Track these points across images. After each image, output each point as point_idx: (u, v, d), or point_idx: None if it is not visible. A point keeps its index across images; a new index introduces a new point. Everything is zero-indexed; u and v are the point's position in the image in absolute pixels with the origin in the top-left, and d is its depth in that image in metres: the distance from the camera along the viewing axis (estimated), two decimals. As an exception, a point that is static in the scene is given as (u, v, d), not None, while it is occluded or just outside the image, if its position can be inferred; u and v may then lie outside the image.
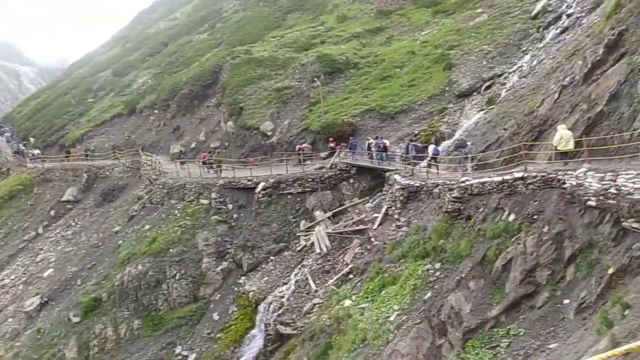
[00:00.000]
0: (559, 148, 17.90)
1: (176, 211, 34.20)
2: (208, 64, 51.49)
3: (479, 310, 16.85)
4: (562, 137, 17.69)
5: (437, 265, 19.57)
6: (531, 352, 14.14)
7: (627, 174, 13.95)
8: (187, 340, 28.05)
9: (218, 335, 27.50)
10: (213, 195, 33.38)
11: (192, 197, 34.33)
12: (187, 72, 53.17)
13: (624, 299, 12.27)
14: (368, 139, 31.60)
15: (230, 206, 32.97)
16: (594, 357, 1.70)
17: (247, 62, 46.83)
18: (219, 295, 29.65)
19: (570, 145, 17.59)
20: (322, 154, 35.02)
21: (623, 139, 16.02)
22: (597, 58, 19.35)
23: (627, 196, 13.66)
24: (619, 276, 13.40)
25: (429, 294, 18.61)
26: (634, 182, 13.59)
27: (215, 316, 28.53)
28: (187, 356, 27.28)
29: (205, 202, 33.55)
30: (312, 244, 28.88)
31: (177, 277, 30.05)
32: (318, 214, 30.61)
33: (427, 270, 19.70)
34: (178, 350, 27.66)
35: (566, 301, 14.74)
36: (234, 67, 47.19)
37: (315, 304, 24.72)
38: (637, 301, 11.94)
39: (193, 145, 44.51)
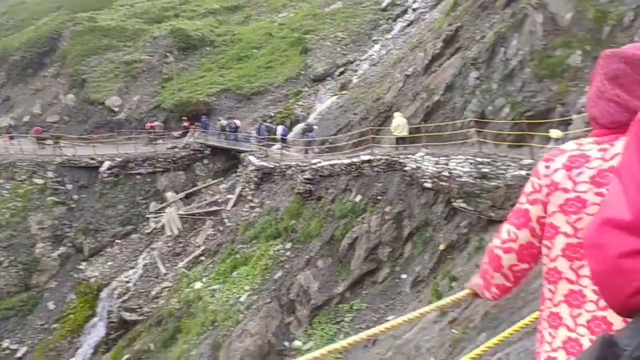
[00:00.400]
0: (395, 134, 19.06)
1: (4, 192, 30.55)
2: (45, 29, 46.37)
3: (326, 287, 17.49)
4: (399, 124, 18.85)
5: (288, 246, 19.90)
6: (372, 325, 15.03)
7: (457, 159, 15.33)
8: (17, 332, 25.37)
9: (54, 325, 25.27)
10: (49, 174, 30.36)
11: (23, 176, 30.88)
12: (19, 36, 47.37)
13: (452, 272, 13.53)
14: (219, 119, 31.00)
15: (69, 186, 30.26)
16: (414, 312, 1.79)
17: (91, 31, 43.05)
18: (55, 283, 27.19)
19: (405, 132, 18.82)
20: (175, 133, 33.59)
21: (455, 127, 17.56)
22: (436, 51, 20.93)
23: (457, 179, 15.02)
24: (449, 252, 14.75)
25: (280, 274, 18.87)
26: (462, 166, 14.97)
27: (51, 305, 26.16)
28: (16, 350, 24.68)
29: (39, 181, 30.40)
30: (163, 226, 27.71)
31: (4, 265, 26.94)
32: (170, 195, 29.41)
33: (279, 250, 19.94)
34: (5, 344, 24.93)
35: (404, 276, 15.88)
36: (75, 34, 43.08)
37: (164, 288, 23.80)
38: (462, 274, 13.23)
39: (26, 119, 39.95)
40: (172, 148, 31.17)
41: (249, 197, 25.28)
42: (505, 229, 1.47)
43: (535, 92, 16.14)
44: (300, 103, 32.53)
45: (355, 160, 19.64)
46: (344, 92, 30.64)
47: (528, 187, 1.37)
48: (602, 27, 15.98)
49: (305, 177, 21.39)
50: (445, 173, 15.61)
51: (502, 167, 13.63)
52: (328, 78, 34.21)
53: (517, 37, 17.52)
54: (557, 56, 16.52)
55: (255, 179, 25.27)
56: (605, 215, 0.75)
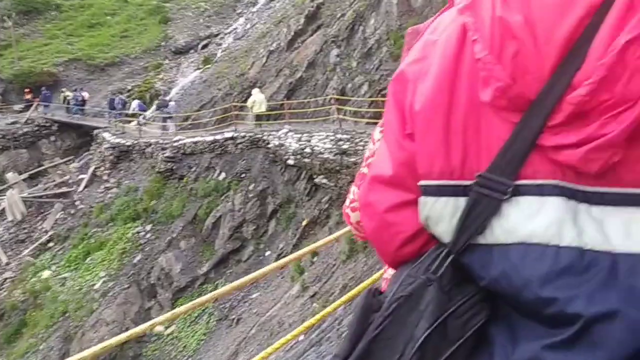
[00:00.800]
0: (253, 111, 18.80)
1: None
2: None
3: (189, 268, 16.94)
4: (256, 100, 18.61)
5: (149, 227, 18.90)
6: (236, 304, 14.85)
7: (319, 135, 15.50)
8: None
9: None
10: None
11: None
12: None
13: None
14: (63, 91, 28.31)
15: None
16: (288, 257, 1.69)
17: None
18: None
19: (263, 108, 18.63)
20: (16, 107, 30.09)
21: (318, 104, 17.75)
22: (299, 27, 20.91)
23: (319, 155, 15.21)
24: (311, 227, 14.97)
25: (139, 257, 17.88)
26: (324, 143, 15.18)
27: None
28: None
29: None
30: (3, 210, 24.83)
31: None
32: (11, 175, 26.37)
33: (138, 232, 18.86)
34: None
35: (268, 253, 15.86)
36: None
37: (5, 279, 21.42)
38: (323, 248, 13.50)
39: None
40: (13, 123, 27.92)
41: (104, 177, 23.53)
42: (352, 190, 1.43)
43: (391, 70, 16.77)
44: (161, 77, 30.81)
45: (218, 137, 19.07)
46: (207, 66, 29.56)
47: (366, 153, 1.32)
48: (450, 11, 17.01)
49: (167, 155, 20.35)
50: (308, 150, 15.73)
51: (361, 143, 14.03)
52: (191, 51, 32.75)
53: (374, 16, 18.04)
54: (410, 37, 17.32)
55: (111, 157, 23.55)
56: (373, 172, 0.78)
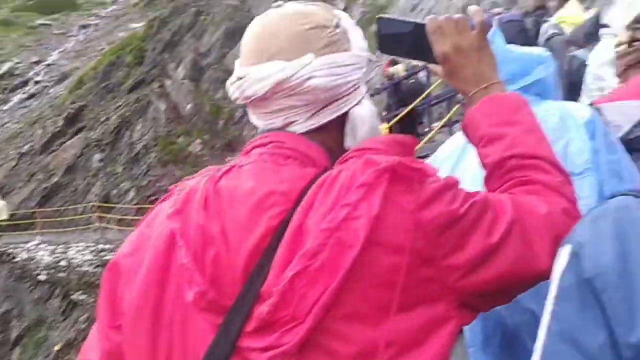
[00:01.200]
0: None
1: None
2: None
3: None
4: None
5: None
6: None
7: (78, 246, 14.13)
8: None
9: None
10: None
11: None
12: None
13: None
14: None
15: None
16: None
17: None
18: None
19: (4, 216, 16.49)
20: None
21: (77, 211, 16.31)
22: (57, 129, 19.46)
23: (77, 268, 13.74)
24: (66, 351, 13.07)
25: None
26: (83, 255, 13.84)
27: None
28: None
29: None
30: None
31: None
32: None
33: None
34: None
35: (10, 390, 13.26)
36: None
37: None
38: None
39: None
40: None
41: None
42: None
43: (159, 176, 16.48)
44: None
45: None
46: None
47: None
48: (218, 120, 17.77)
49: None
50: (64, 263, 14.14)
51: (125, 253, 13.12)
52: None
53: (141, 122, 17.83)
54: (179, 143, 17.45)
55: None
56: (81, 357, 0.79)
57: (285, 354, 0.66)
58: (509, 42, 1.43)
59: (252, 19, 0.83)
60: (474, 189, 0.75)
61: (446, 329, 0.69)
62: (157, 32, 19.85)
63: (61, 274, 13.99)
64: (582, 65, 3.28)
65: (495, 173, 0.80)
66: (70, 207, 16.47)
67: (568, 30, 4.36)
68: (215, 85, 17.58)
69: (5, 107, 30.35)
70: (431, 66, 0.88)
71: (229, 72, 0.82)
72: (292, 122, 0.78)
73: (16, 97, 30.73)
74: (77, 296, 13.52)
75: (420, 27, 0.84)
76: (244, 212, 0.71)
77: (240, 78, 0.78)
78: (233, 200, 0.73)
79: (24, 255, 14.84)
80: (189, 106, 18.14)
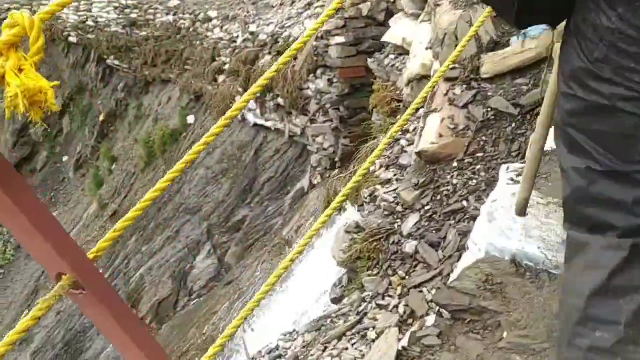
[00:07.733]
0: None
1: None
2: None
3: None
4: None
5: None
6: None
7: (100, 3, 12.08)
8: None
9: None
10: None
11: None
12: None
13: (112, 151, 11.25)
14: None
15: None
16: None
17: None
18: None
19: None
20: None
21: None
22: None
23: (105, 29, 11.94)
24: (110, 122, 12.25)
25: None
26: (107, 12, 11.87)
27: None
28: None
29: None
30: None
31: None
32: None
33: None
34: None
35: (65, 158, 13.02)
36: None
37: None
38: (122, 152, 11.08)
39: None
40: None
41: None
42: None
43: None
44: None
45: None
46: None
47: None
48: None
49: None
50: (90, 22, 12.30)
51: (150, 11, 10.99)
52: None
53: None
54: None
55: None
56: None
57: None
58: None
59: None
60: None
61: None
62: None
63: (90, 35, 12.31)
64: None
65: None
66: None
67: None
68: None
69: None
70: None
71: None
72: None
73: None
74: (111, 60, 12.02)
75: None
76: None
77: None
78: None
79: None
80: None
